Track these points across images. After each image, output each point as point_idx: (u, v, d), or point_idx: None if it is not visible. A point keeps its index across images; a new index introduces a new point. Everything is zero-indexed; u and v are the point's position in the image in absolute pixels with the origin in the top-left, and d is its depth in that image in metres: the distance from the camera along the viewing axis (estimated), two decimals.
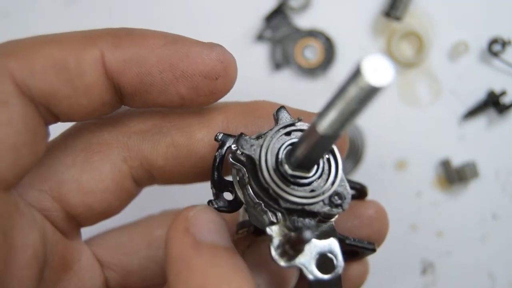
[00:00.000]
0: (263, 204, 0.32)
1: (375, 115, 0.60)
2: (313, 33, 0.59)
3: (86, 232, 0.41)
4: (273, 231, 0.32)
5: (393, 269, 0.60)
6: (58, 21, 0.59)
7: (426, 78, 0.59)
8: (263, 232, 0.33)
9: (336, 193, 0.32)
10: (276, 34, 0.59)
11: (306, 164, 0.32)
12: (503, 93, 0.58)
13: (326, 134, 0.27)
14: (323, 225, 0.33)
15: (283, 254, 0.31)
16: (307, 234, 0.28)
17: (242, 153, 0.32)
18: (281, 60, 0.59)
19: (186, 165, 0.38)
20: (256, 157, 0.32)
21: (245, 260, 0.32)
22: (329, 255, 0.32)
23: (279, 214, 0.32)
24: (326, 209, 0.32)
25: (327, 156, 0.33)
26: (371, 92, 0.24)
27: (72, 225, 0.38)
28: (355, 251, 0.41)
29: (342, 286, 0.34)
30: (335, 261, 0.32)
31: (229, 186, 0.35)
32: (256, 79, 0.59)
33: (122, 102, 0.36)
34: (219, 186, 0.35)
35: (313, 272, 0.31)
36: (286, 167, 0.32)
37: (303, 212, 0.32)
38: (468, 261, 0.60)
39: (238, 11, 0.59)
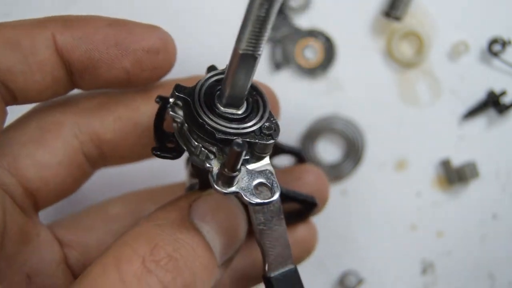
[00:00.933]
0: (201, 146, 0.35)
1: (375, 115, 0.60)
2: (313, 33, 0.59)
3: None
4: (212, 164, 0.35)
5: (393, 269, 0.60)
6: None
7: (426, 78, 0.59)
8: (209, 186, 0.36)
9: (266, 126, 0.36)
10: (276, 34, 0.59)
11: (236, 97, 0.35)
12: (503, 93, 0.58)
13: (246, 52, 0.31)
14: (260, 162, 0.36)
15: (223, 181, 0.34)
16: (237, 144, 0.31)
17: (178, 97, 0.35)
18: (281, 60, 0.59)
19: (133, 136, 0.42)
20: (190, 98, 0.35)
21: (192, 212, 0.36)
22: (266, 181, 0.35)
23: (215, 148, 0.35)
24: (258, 138, 0.35)
25: (255, 97, 0.37)
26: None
27: (30, 202, 0.40)
28: (299, 211, 0.45)
29: (282, 212, 0.38)
30: (271, 186, 0.35)
31: (171, 137, 0.37)
32: (256, 79, 0.59)
33: (73, 81, 0.40)
34: (161, 139, 0.37)
35: (252, 197, 0.34)
36: (218, 105, 0.35)
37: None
38: (468, 261, 0.60)
39: (238, 11, 0.59)
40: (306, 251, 0.49)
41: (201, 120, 0.34)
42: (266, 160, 0.37)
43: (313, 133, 0.59)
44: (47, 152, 0.40)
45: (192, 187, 0.42)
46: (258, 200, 0.34)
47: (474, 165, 0.58)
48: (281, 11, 0.59)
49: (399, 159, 0.60)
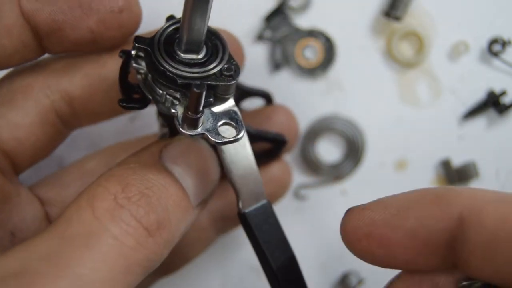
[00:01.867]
0: (166, 94, 0.36)
1: (375, 115, 0.60)
2: (313, 33, 0.59)
3: None
4: (177, 110, 0.35)
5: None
6: None
7: (426, 78, 0.59)
8: (178, 132, 0.37)
9: (226, 67, 0.37)
10: (276, 34, 0.59)
11: (194, 41, 0.35)
12: (503, 93, 0.58)
13: None
14: (223, 104, 0.37)
15: (188, 124, 0.35)
16: (196, 85, 0.32)
17: (139, 48, 0.36)
18: (281, 60, 0.59)
19: (101, 91, 0.43)
20: (150, 47, 0.36)
21: (163, 156, 0.37)
22: (231, 120, 0.36)
23: (179, 94, 0.36)
24: (219, 80, 0.36)
25: (214, 42, 0.38)
26: None
27: (8, 163, 0.42)
28: (270, 150, 0.46)
29: (250, 149, 0.40)
30: (236, 124, 0.36)
31: (136, 88, 0.38)
32: (256, 79, 0.59)
33: (42, 46, 0.41)
34: (127, 91, 0.38)
35: (218, 137, 0.35)
36: (178, 52, 0.36)
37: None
38: None
39: (238, 11, 0.59)
40: (281, 187, 0.51)
41: (162, 68, 0.35)
42: (231, 101, 0.37)
43: (313, 133, 0.59)
44: (19, 113, 0.41)
45: (163, 136, 0.44)
46: (224, 139, 0.35)
47: (474, 165, 0.58)
48: (281, 11, 0.59)
49: (399, 159, 0.60)
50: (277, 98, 0.60)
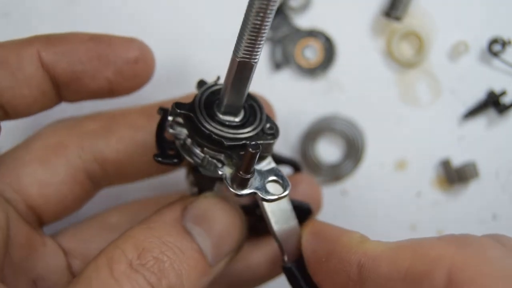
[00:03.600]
0: (209, 156, 0.37)
1: (375, 115, 0.60)
2: (313, 33, 0.59)
3: None
4: (225, 171, 0.37)
5: None
6: (59, 21, 0.59)
7: (426, 78, 0.59)
8: (205, 189, 0.39)
9: (268, 126, 0.38)
10: (276, 34, 0.59)
11: (235, 104, 0.37)
12: (503, 93, 0.58)
13: (243, 59, 0.33)
14: (264, 162, 0.39)
15: (238, 184, 0.36)
16: (252, 146, 0.33)
17: (180, 114, 0.37)
18: (281, 60, 0.59)
19: (136, 155, 0.45)
20: (192, 112, 0.37)
21: (185, 216, 0.38)
22: (277, 178, 0.38)
23: (223, 156, 0.37)
24: (262, 139, 0.37)
25: (249, 103, 0.39)
26: (267, 4, 0.30)
27: (34, 215, 0.43)
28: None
29: (292, 207, 0.41)
30: (282, 181, 0.38)
31: (171, 145, 0.39)
32: (256, 79, 0.59)
33: (60, 94, 0.43)
34: (163, 146, 0.39)
35: (267, 195, 0.36)
36: (218, 114, 0.37)
37: (243, 147, 0.36)
38: None
39: (238, 11, 0.59)
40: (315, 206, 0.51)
41: (207, 132, 0.36)
42: (269, 159, 0.39)
43: (313, 133, 0.59)
44: (49, 171, 0.43)
45: (192, 194, 0.44)
46: (274, 197, 0.36)
47: (474, 165, 0.58)
48: (281, 11, 0.59)
49: (399, 159, 0.60)
50: (277, 98, 0.60)
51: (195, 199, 0.39)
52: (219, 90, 0.38)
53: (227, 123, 0.37)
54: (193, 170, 0.40)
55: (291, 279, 0.41)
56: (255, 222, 0.45)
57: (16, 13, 0.59)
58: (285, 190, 0.37)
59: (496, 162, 0.59)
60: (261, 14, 0.30)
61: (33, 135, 0.45)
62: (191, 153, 0.38)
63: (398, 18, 0.57)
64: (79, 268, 0.45)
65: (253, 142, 0.34)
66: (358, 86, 0.59)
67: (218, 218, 0.39)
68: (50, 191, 0.43)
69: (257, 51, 0.33)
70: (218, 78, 0.39)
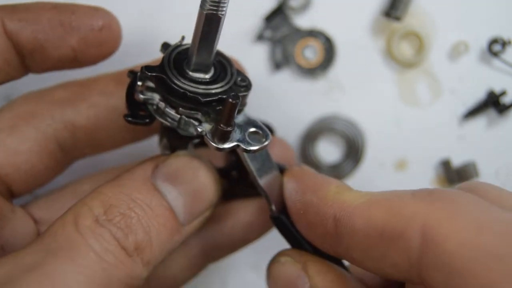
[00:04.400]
0: (184, 116, 0.37)
1: (375, 115, 0.60)
2: (313, 33, 0.59)
3: None
4: (204, 127, 0.36)
5: None
6: None
7: (426, 78, 0.59)
8: (178, 147, 0.38)
9: (240, 79, 0.39)
10: (276, 34, 0.59)
11: (205, 61, 0.37)
12: (503, 93, 0.58)
13: (209, 11, 0.33)
14: (239, 116, 0.38)
15: (219, 138, 0.36)
16: (232, 96, 0.33)
17: (150, 76, 0.37)
18: (281, 60, 0.59)
19: (108, 121, 0.44)
20: (163, 73, 0.36)
21: (156, 174, 0.37)
22: (257, 128, 0.38)
23: (201, 114, 0.36)
24: (237, 91, 0.37)
25: (218, 59, 0.39)
26: None
27: (4, 185, 0.42)
28: None
29: (271, 156, 0.41)
30: (262, 131, 0.38)
31: (142, 106, 0.39)
32: (256, 79, 0.59)
33: (26, 65, 0.42)
34: (133, 107, 0.39)
35: (250, 146, 0.36)
36: (189, 72, 0.37)
37: (219, 102, 0.37)
38: None
39: (238, 11, 0.59)
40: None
41: (182, 90, 0.36)
42: (244, 113, 0.39)
43: (313, 133, 0.59)
44: (18, 139, 0.42)
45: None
46: (257, 147, 0.36)
47: (474, 165, 0.58)
48: (281, 11, 0.59)
49: (399, 159, 0.60)
50: (277, 98, 0.60)
51: (167, 158, 0.39)
52: (186, 49, 0.38)
53: (199, 80, 0.37)
54: (166, 131, 0.40)
55: (280, 228, 0.41)
56: (229, 185, 0.45)
57: None
58: (266, 140, 0.37)
59: (496, 162, 0.59)
60: None
61: (3, 106, 0.44)
62: (166, 116, 0.37)
63: (398, 18, 0.57)
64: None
65: (232, 93, 0.34)
66: (358, 86, 0.59)
67: (190, 177, 0.39)
68: (19, 160, 0.42)
69: (224, 3, 0.33)
70: (183, 38, 0.39)
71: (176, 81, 0.36)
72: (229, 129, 0.35)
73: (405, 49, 0.59)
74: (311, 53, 0.59)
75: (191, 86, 0.36)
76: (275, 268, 0.39)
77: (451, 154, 0.59)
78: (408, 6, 0.57)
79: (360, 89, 0.59)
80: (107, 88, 0.45)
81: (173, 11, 0.58)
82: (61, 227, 0.33)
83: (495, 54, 0.57)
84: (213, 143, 0.36)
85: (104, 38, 0.43)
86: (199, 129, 0.36)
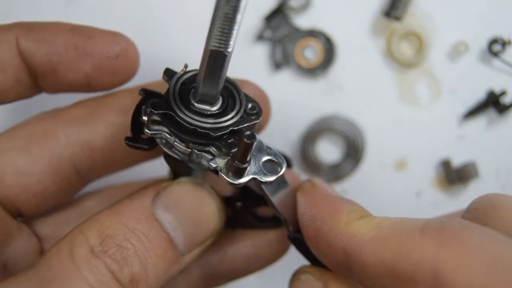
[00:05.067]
0: (196, 150, 0.35)
1: (375, 115, 0.60)
2: (313, 33, 0.59)
3: None
4: (217, 163, 0.35)
5: None
6: (58, 20, 0.59)
7: (426, 78, 0.59)
8: (180, 174, 0.37)
9: (250, 107, 0.37)
10: (276, 34, 0.59)
11: (210, 93, 0.35)
12: (503, 93, 0.58)
13: (215, 48, 0.31)
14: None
15: (235, 174, 0.35)
16: (247, 136, 0.32)
17: (157, 114, 0.35)
18: (281, 60, 0.59)
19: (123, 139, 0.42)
20: (170, 109, 0.35)
21: (156, 202, 0.36)
22: (270, 157, 0.36)
23: (213, 148, 0.35)
24: (247, 121, 0.36)
25: (224, 85, 0.37)
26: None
27: (12, 205, 0.41)
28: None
29: (285, 178, 0.40)
30: (276, 159, 0.36)
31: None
32: (256, 79, 0.59)
33: (38, 84, 0.41)
34: (138, 130, 0.37)
35: (266, 178, 0.35)
36: (195, 104, 0.35)
37: (231, 134, 0.35)
38: None
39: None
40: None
41: (192, 127, 0.34)
42: (257, 139, 0.37)
43: (313, 133, 0.59)
44: (30, 160, 0.41)
45: (170, 180, 0.43)
46: (273, 177, 0.36)
47: (474, 165, 0.58)
48: (281, 11, 0.59)
49: (399, 159, 0.60)
50: (277, 98, 0.60)
51: (169, 185, 0.38)
52: (190, 77, 0.37)
53: (207, 112, 0.35)
54: (170, 158, 0.38)
55: (298, 247, 0.41)
56: (233, 214, 0.44)
57: (16, 13, 0.59)
58: (281, 169, 0.36)
59: (496, 162, 0.59)
60: (232, 3, 0.29)
61: (17, 125, 0.43)
62: (176, 150, 0.36)
63: (398, 18, 0.57)
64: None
65: (248, 132, 0.32)
66: (358, 86, 0.59)
67: (192, 206, 0.37)
68: (30, 181, 0.41)
69: (230, 40, 0.31)
70: (186, 66, 0.38)
71: (184, 117, 0.35)
72: (244, 166, 0.34)
73: (405, 49, 0.59)
74: (311, 53, 0.59)
75: (201, 122, 0.35)
76: (296, 286, 0.38)
77: (451, 154, 0.59)
78: (408, 6, 0.57)
79: (360, 89, 0.59)
80: (125, 105, 0.43)
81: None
82: (56, 256, 0.33)
83: (495, 54, 0.57)
84: (228, 179, 0.35)
85: (120, 66, 0.42)
86: (212, 165, 0.35)
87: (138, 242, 0.34)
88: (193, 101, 0.35)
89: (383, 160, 0.60)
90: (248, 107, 0.37)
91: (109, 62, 0.41)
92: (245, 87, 0.44)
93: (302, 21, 0.59)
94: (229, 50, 0.32)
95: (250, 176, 0.35)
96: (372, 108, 0.59)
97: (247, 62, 0.59)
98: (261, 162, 0.36)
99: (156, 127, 0.36)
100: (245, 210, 0.45)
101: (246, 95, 0.37)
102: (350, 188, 0.60)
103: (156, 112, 0.35)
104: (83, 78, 0.41)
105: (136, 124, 0.37)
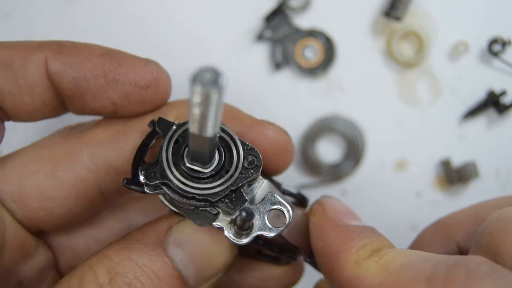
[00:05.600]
0: (199, 207, 0.34)
1: (375, 115, 0.60)
2: (313, 33, 0.59)
3: None
4: (220, 221, 0.34)
5: None
6: (58, 20, 0.59)
7: (426, 78, 0.59)
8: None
9: (248, 161, 0.35)
10: (276, 34, 0.59)
11: (204, 160, 0.34)
12: (503, 93, 0.58)
13: (194, 132, 0.30)
14: (253, 185, 0.36)
15: (239, 235, 0.34)
16: (246, 214, 0.31)
17: (153, 185, 0.34)
18: (281, 60, 0.59)
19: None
20: (166, 180, 0.34)
21: (168, 238, 0.35)
22: (275, 207, 0.35)
23: (215, 209, 0.34)
24: (246, 176, 0.34)
25: (225, 140, 0.36)
26: (205, 102, 0.27)
27: (33, 226, 0.40)
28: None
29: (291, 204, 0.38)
30: (281, 209, 0.35)
31: (149, 168, 0.36)
32: (256, 79, 0.59)
33: (65, 105, 0.40)
34: (137, 169, 0.36)
35: (273, 231, 0.34)
36: (188, 165, 0.34)
37: (232, 192, 0.34)
38: None
39: (238, 11, 0.59)
40: (282, 149, 0.46)
41: (190, 195, 0.33)
42: (259, 178, 0.36)
43: (313, 133, 0.59)
44: (54, 185, 0.39)
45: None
46: (279, 229, 0.35)
47: (474, 165, 0.58)
48: (281, 11, 0.59)
49: (399, 159, 0.60)
50: (277, 98, 0.60)
51: (181, 220, 0.37)
52: (183, 134, 0.35)
53: (204, 175, 0.34)
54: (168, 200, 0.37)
55: (316, 268, 0.41)
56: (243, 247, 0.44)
57: (16, 13, 0.59)
58: (288, 217, 0.35)
59: (496, 162, 0.59)
60: (202, 108, 0.27)
61: (42, 141, 0.41)
62: (180, 208, 0.35)
63: (398, 18, 0.57)
64: (65, 263, 0.44)
65: (244, 213, 0.31)
66: (358, 86, 0.59)
67: (204, 242, 0.36)
68: (53, 205, 0.40)
69: (208, 127, 0.29)
70: (178, 124, 0.36)
71: (180, 186, 0.33)
72: (246, 232, 0.34)
73: (405, 49, 0.59)
74: (311, 53, 0.59)
75: (198, 188, 0.33)
76: None
77: (451, 154, 0.59)
78: (408, 6, 0.57)
79: (360, 89, 0.59)
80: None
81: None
82: None
83: (495, 54, 0.57)
84: (233, 240, 0.34)
85: (149, 97, 0.39)
86: (215, 226, 0.34)
87: (148, 281, 0.33)
88: (187, 161, 0.34)
89: (383, 160, 0.60)
90: (248, 161, 0.35)
91: (138, 92, 0.39)
92: (267, 129, 0.43)
93: (302, 21, 0.59)
94: (208, 135, 0.30)
95: (255, 234, 0.34)
96: (372, 108, 0.59)
97: (247, 62, 0.59)
98: (266, 215, 0.35)
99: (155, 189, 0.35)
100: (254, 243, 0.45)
101: (245, 144, 0.36)
102: (350, 188, 0.60)
103: (150, 183, 0.34)
104: (110, 106, 0.39)
105: (137, 163, 0.36)
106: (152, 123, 0.37)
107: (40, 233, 0.42)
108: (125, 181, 0.36)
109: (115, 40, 0.59)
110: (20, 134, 0.44)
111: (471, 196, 0.60)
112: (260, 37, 0.59)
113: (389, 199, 0.60)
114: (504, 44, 0.57)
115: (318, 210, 0.40)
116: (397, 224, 0.60)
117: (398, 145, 0.60)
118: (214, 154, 0.34)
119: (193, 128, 0.29)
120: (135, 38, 0.59)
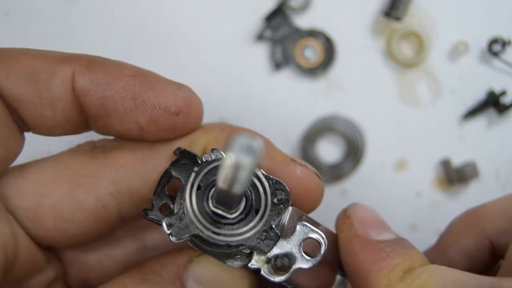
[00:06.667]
0: (232, 252, 0.34)
1: (375, 115, 0.60)
2: (313, 33, 0.59)
3: None
4: (257, 262, 0.34)
5: None
6: (58, 21, 0.59)
7: (426, 78, 0.59)
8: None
9: (277, 198, 0.34)
10: (276, 34, 0.59)
11: (228, 208, 0.33)
12: (503, 93, 0.58)
13: (223, 189, 0.29)
14: (283, 215, 0.35)
15: (276, 272, 0.33)
16: (288, 259, 0.32)
17: (183, 240, 0.33)
18: (281, 60, 0.59)
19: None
20: (195, 231, 0.33)
21: (188, 273, 0.34)
22: (308, 237, 0.34)
23: (247, 249, 0.33)
24: (276, 213, 0.34)
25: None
26: (238, 168, 0.26)
27: (46, 243, 0.38)
28: None
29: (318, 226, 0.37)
30: (313, 236, 0.35)
31: (170, 201, 0.35)
32: (256, 79, 0.59)
33: (88, 124, 0.38)
34: (160, 198, 0.35)
35: (309, 262, 0.34)
36: (218, 211, 0.33)
37: (264, 232, 0.34)
38: None
39: (238, 11, 0.59)
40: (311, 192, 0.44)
41: (224, 243, 0.33)
42: (288, 209, 0.35)
43: (313, 133, 0.59)
44: (73, 208, 0.37)
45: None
46: (315, 260, 0.34)
47: (474, 165, 0.58)
48: (281, 11, 0.59)
49: (399, 159, 0.60)
50: (277, 98, 0.60)
51: (201, 254, 0.35)
52: (208, 173, 0.34)
53: (234, 221, 0.33)
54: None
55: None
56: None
57: (16, 13, 0.59)
58: (322, 246, 0.34)
59: (496, 162, 0.59)
60: (235, 172, 0.27)
61: (63, 157, 0.39)
62: (209, 252, 0.34)
63: (398, 18, 0.57)
64: (75, 276, 0.42)
65: (286, 259, 0.32)
66: (358, 86, 0.59)
67: (225, 279, 0.35)
68: (69, 227, 0.38)
69: (236, 187, 0.28)
70: (204, 161, 0.35)
71: (213, 236, 0.33)
72: (286, 272, 0.33)
73: (405, 49, 0.59)
74: (311, 53, 0.59)
75: (231, 235, 0.33)
76: None
77: (451, 154, 0.59)
78: (408, 6, 0.57)
79: (360, 89, 0.59)
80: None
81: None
82: None
83: (495, 54, 0.57)
84: (272, 280, 0.33)
85: (179, 124, 0.37)
86: (251, 267, 0.34)
87: None
88: (211, 204, 0.33)
89: (383, 160, 0.60)
90: (276, 199, 0.34)
91: (168, 118, 0.36)
92: (297, 169, 0.39)
93: (302, 21, 0.59)
94: (238, 193, 0.29)
95: (293, 268, 0.33)
96: (372, 108, 0.59)
97: (247, 62, 0.59)
98: (300, 248, 0.34)
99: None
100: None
101: (269, 178, 0.35)
102: (350, 188, 0.60)
103: (180, 240, 0.33)
104: (136, 130, 0.37)
105: (159, 193, 0.35)
106: (179, 151, 0.35)
107: (52, 247, 0.40)
108: (144, 213, 0.34)
109: (115, 40, 0.59)
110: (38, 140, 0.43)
111: (471, 196, 0.60)
112: (260, 37, 0.59)
113: (389, 199, 0.60)
114: (504, 44, 0.57)
115: (346, 224, 0.38)
116: (397, 224, 0.60)
117: (398, 145, 0.60)
118: (242, 201, 0.34)
119: (223, 185, 0.28)
120: (134, 38, 0.59)
